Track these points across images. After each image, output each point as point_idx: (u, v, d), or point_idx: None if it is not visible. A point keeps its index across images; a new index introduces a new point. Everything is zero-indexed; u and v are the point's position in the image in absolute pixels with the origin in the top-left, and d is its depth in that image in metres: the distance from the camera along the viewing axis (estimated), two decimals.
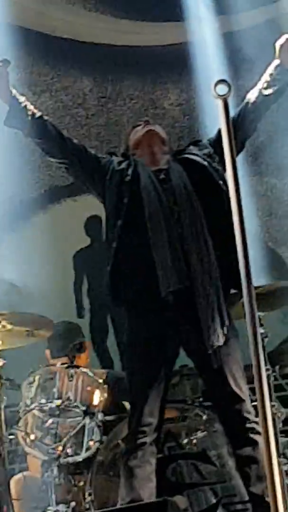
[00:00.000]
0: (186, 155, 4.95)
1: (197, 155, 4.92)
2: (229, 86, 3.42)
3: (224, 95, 3.42)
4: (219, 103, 3.42)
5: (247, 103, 4.94)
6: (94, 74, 9.07)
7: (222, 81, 3.45)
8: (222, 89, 3.42)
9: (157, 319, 4.63)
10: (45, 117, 4.97)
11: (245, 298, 3.33)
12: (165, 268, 4.60)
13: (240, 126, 4.89)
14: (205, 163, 4.83)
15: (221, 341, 4.54)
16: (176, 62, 9.02)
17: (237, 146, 4.76)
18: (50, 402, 5.29)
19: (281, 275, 8.25)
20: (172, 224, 4.68)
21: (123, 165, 4.89)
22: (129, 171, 4.83)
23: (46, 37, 9.04)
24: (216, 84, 3.44)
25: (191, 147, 5.05)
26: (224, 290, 4.63)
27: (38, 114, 4.92)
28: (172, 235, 4.65)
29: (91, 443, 5.31)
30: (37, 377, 5.41)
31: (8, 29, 8.73)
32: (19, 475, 5.67)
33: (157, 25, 9.18)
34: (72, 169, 5.09)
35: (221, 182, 4.67)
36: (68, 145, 4.99)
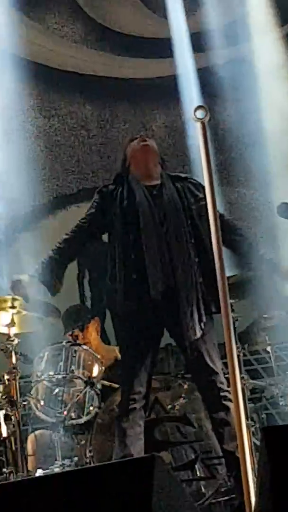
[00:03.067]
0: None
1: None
2: (206, 111, 3.41)
3: (202, 118, 3.41)
4: (198, 125, 3.41)
5: None
6: (94, 102, 9.04)
7: (200, 106, 3.43)
8: (201, 113, 3.40)
9: (146, 309, 4.60)
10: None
11: (220, 290, 3.32)
12: (154, 272, 4.57)
13: None
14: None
15: (198, 334, 4.52)
16: (163, 91, 9.00)
17: None
18: (57, 374, 5.29)
19: (249, 270, 8.22)
20: (162, 235, 4.64)
21: (119, 188, 4.82)
22: (125, 192, 4.77)
23: (54, 70, 9.02)
24: (195, 109, 3.43)
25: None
26: (203, 290, 4.59)
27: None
28: (161, 245, 4.61)
29: (91, 408, 5.30)
30: (46, 353, 5.39)
31: (23, 63, 8.73)
32: (32, 435, 5.66)
33: (148, 61, 9.15)
34: None
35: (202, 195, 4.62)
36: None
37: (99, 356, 5.44)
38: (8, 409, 5.16)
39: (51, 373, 5.28)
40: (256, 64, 8.74)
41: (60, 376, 5.26)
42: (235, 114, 8.64)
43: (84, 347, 5.44)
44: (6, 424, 5.33)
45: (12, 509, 2.70)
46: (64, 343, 5.44)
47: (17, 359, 5.22)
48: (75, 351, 5.36)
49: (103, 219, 4.81)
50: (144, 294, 4.57)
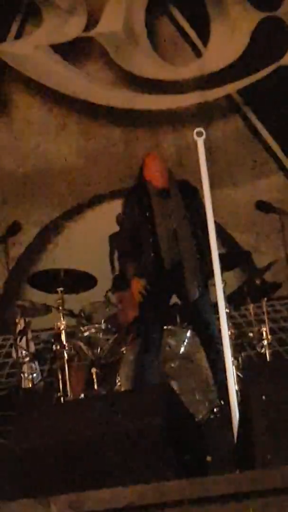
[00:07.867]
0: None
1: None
2: (203, 132, 3.42)
3: (201, 137, 3.43)
4: (198, 142, 3.42)
5: None
6: (122, 127, 9.02)
7: (199, 129, 3.45)
8: (200, 134, 3.43)
9: (160, 279, 4.60)
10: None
11: (214, 264, 3.33)
12: (166, 251, 4.58)
13: None
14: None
15: (197, 296, 4.52)
16: (172, 119, 8.99)
17: None
18: (96, 325, 5.30)
19: (233, 248, 8.20)
20: (170, 224, 4.64)
21: (138, 191, 4.81)
22: (142, 194, 4.76)
23: (92, 104, 9.02)
24: (196, 132, 3.45)
25: None
26: (201, 264, 4.58)
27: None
28: (170, 231, 4.62)
29: (119, 350, 5.30)
30: (87, 309, 5.39)
31: (69, 99, 8.79)
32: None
33: (160, 96, 9.09)
34: None
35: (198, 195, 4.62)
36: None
37: None
38: (58, 349, 5.20)
39: (91, 325, 5.29)
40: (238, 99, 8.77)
41: (97, 327, 5.27)
42: (224, 134, 8.64)
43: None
44: (56, 360, 5.37)
45: (64, 418, 2.76)
46: (100, 303, 5.44)
47: (64, 314, 5.24)
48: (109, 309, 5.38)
49: (132, 216, 4.80)
50: (159, 267, 4.58)
